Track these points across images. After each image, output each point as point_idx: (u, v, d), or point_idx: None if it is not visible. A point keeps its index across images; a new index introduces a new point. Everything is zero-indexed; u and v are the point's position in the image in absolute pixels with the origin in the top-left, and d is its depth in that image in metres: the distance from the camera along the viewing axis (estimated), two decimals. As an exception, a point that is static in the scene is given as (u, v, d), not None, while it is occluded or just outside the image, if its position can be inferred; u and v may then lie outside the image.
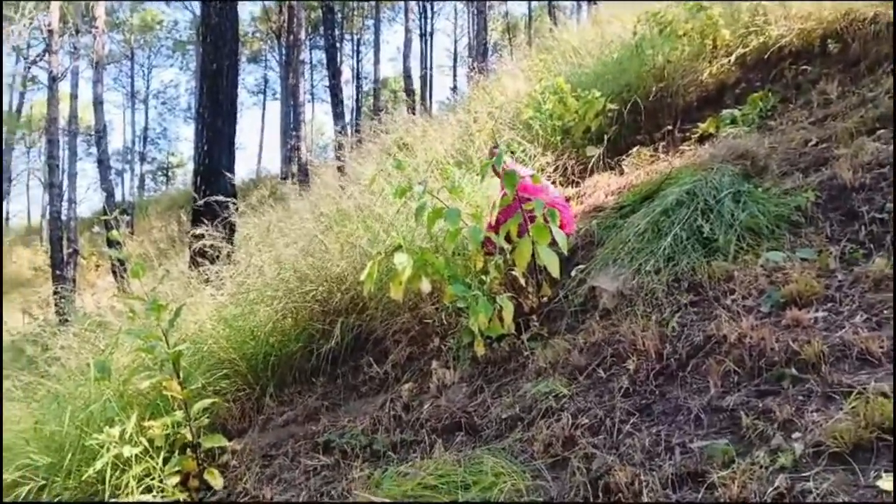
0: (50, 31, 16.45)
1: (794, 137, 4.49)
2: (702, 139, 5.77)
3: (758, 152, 4.23)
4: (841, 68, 5.54)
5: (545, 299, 3.96)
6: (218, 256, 5.22)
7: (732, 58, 6.53)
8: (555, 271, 3.54)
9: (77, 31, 18.73)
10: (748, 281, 2.94)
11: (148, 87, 37.26)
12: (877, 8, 5.48)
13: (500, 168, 3.76)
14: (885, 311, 2.42)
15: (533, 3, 34.89)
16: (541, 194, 4.66)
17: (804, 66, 5.83)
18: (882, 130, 4.03)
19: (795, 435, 1.98)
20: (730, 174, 3.78)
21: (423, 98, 28.02)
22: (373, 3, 30.73)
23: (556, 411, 2.76)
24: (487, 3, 25.23)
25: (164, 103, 39.27)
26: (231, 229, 6.08)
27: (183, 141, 42.56)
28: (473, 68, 14.17)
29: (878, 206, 3.18)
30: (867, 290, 2.61)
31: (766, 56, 6.19)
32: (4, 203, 31.09)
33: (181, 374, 3.61)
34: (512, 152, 5.29)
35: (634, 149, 6.23)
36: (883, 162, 3.55)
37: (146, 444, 3.35)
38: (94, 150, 22.14)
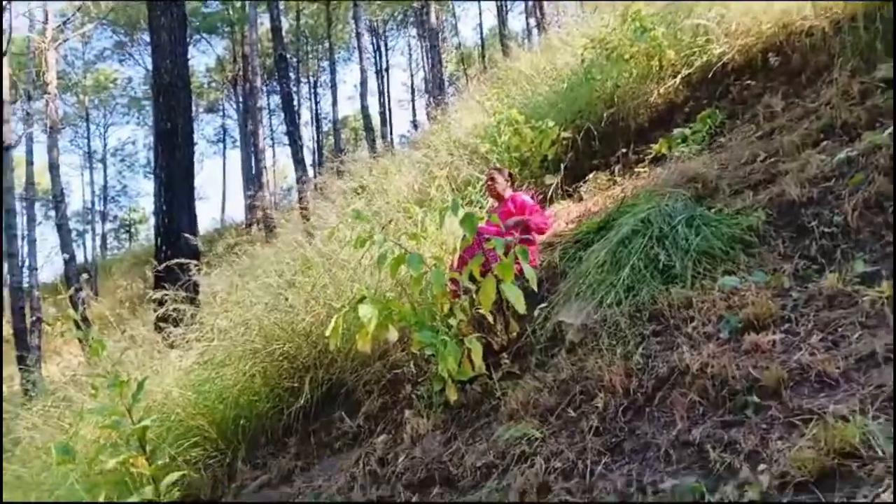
0: (1, 101, 16.25)
1: (742, 154, 4.58)
2: (656, 160, 5.86)
3: (708, 174, 4.30)
4: (783, 80, 5.68)
5: (514, 336, 3.95)
6: (182, 319, 5.14)
7: (678, 78, 6.68)
8: (520, 308, 3.52)
9: (29, 98, 18.54)
10: (706, 307, 2.96)
11: (105, 146, 36.94)
12: (811, 21, 5.65)
13: (457, 213, 3.73)
14: (840, 330, 2.45)
15: (485, 32, 35.48)
16: (536, 209, 4.70)
17: (748, 81, 5.97)
18: (826, 142, 4.13)
19: (761, 466, 1.98)
20: (682, 199, 3.83)
21: (383, 134, 28.15)
22: (327, 45, 30.96)
23: (529, 456, 2.74)
24: (440, 37, 25.57)
25: (122, 160, 38.95)
26: (195, 289, 6.00)
27: (144, 196, 42.18)
28: (431, 103, 14.34)
29: (827, 221, 3.24)
30: (821, 307, 2.64)
31: (710, 74, 6.33)
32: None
33: (148, 448, 3.52)
34: (511, 175, 5.30)
35: (591, 174, 6.32)
36: (828, 175, 3.63)
37: (116, 526, 3.25)
38: (52, 213, 21.82)
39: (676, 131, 5.90)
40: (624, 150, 6.44)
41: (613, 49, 7.17)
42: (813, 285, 2.83)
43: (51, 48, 17.52)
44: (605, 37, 7.35)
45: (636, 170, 5.83)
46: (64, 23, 20.16)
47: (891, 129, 3.68)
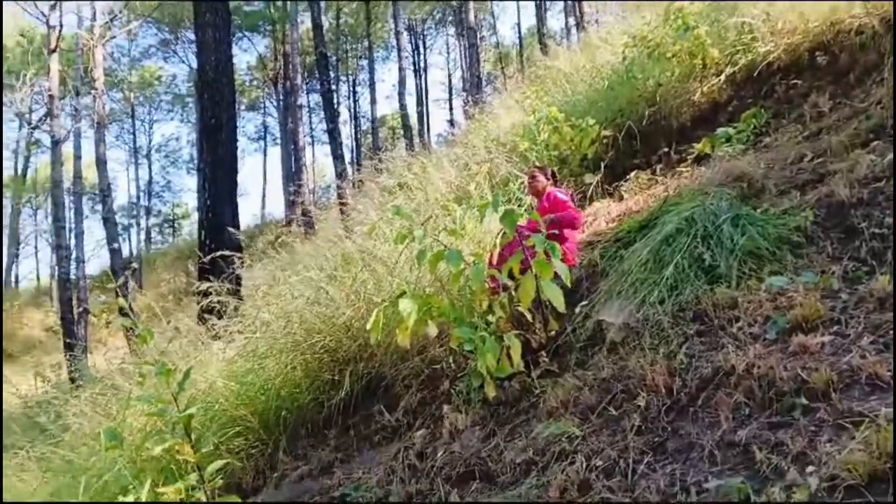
0: (51, 96, 16.75)
1: (788, 154, 4.50)
2: (698, 159, 5.78)
3: (754, 173, 4.23)
4: (831, 80, 5.56)
5: (553, 334, 3.94)
6: (225, 311, 5.24)
7: (723, 77, 6.58)
8: (560, 305, 3.52)
9: (77, 93, 19.06)
10: (752, 307, 2.92)
11: (150, 142, 37.81)
12: (861, 19, 5.52)
13: (497, 210, 3.75)
14: (892, 332, 2.39)
15: (523, 31, 35.34)
16: (567, 206, 4.68)
17: (794, 81, 5.85)
18: (876, 142, 4.03)
19: (810, 469, 1.95)
20: (727, 198, 3.78)
21: (420, 133, 28.26)
22: (366, 44, 31.17)
23: (569, 453, 2.74)
24: (478, 36, 25.56)
25: (166, 156, 39.81)
26: (238, 282, 6.11)
27: (188, 192, 43.08)
28: (468, 101, 14.33)
29: (878, 222, 3.17)
30: (872, 310, 2.59)
31: (755, 73, 6.23)
32: (14, 266, 31.46)
33: (193, 436, 3.59)
34: (554, 174, 5.30)
35: (632, 173, 6.25)
36: (879, 175, 3.55)
37: (161, 510, 3.32)
38: (99, 207, 22.39)
39: (720, 130, 5.81)
40: (666, 150, 6.37)
41: (655, 47, 7.10)
42: (863, 287, 2.77)
43: (98, 45, 17.99)
44: (646, 35, 7.28)
45: (678, 169, 5.76)
46: (111, 20, 20.65)
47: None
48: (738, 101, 6.37)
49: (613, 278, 3.86)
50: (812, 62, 5.82)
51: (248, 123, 39.14)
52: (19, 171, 31.76)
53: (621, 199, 5.96)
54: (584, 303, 3.86)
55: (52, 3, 17.15)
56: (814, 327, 2.63)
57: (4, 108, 19.39)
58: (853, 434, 1.99)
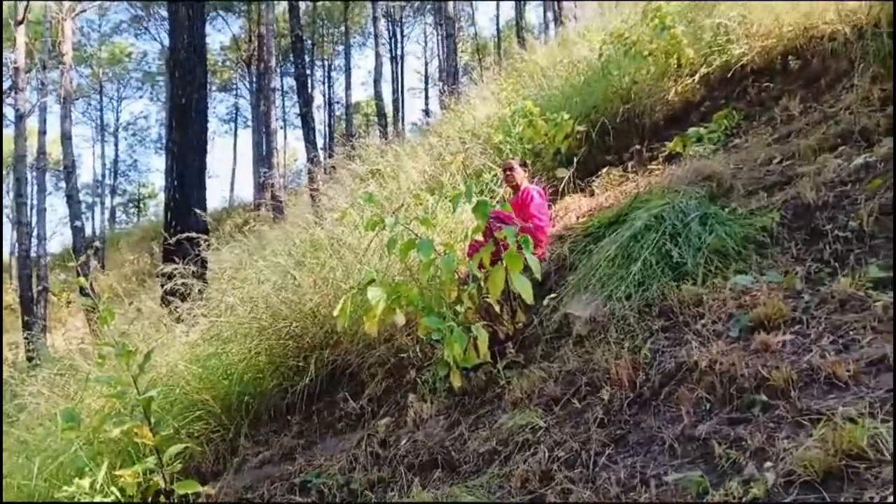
0: (16, 69, 16.30)
1: (758, 155, 4.56)
2: (670, 158, 5.84)
3: (723, 173, 4.28)
4: (802, 84, 5.64)
5: (520, 326, 3.95)
6: (189, 294, 5.16)
7: (697, 77, 6.64)
8: (528, 298, 3.53)
9: (44, 67, 18.56)
10: (717, 305, 2.96)
11: (118, 120, 37.11)
12: (834, 26, 5.60)
13: (470, 200, 3.75)
14: (851, 333, 2.44)
15: (501, 24, 35.32)
16: (532, 215, 4.70)
17: (766, 83, 5.93)
18: (843, 147, 4.10)
19: (767, 464, 1.98)
20: (696, 197, 3.82)
21: (395, 121, 28.13)
22: (343, 29, 30.87)
23: (532, 444, 2.75)
24: (457, 26, 25.46)
25: (134, 135, 39.07)
26: (203, 265, 6.02)
27: (154, 172, 42.48)
28: (444, 91, 14.29)
29: (842, 225, 3.23)
30: (833, 311, 2.63)
31: (729, 74, 6.29)
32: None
33: (153, 419, 3.53)
34: (525, 163, 5.32)
35: (604, 169, 6.29)
36: (845, 179, 3.61)
37: (117, 493, 3.27)
38: (63, 184, 21.88)
39: (692, 130, 5.87)
40: (638, 147, 6.42)
41: (632, 45, 7.13)
42: (825, 288, 2.82)
43: (67, 18, 17.53)
44: (624, 32, 7.32)
45: (650, 167, 5.80)
46: (82, -7, 20.12)
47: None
48: (711, 102, 6.44)
49: (582, 272, 3.88)
50: (784, 66, 5.90)
51: (219, 104, 38.61)
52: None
53: (592, 194, 5.99)
54: (552, 296, 3.87)
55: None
56: (776, 326, 2.67)
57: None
58: (810, 432, 2.02)
